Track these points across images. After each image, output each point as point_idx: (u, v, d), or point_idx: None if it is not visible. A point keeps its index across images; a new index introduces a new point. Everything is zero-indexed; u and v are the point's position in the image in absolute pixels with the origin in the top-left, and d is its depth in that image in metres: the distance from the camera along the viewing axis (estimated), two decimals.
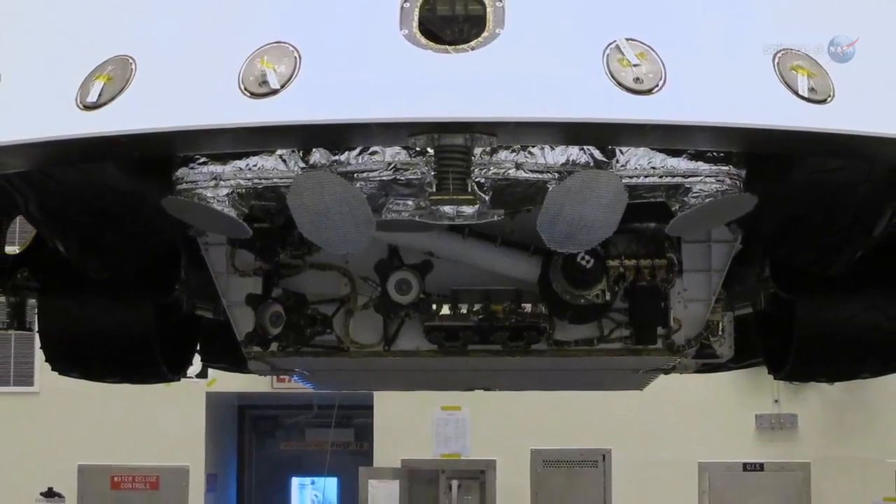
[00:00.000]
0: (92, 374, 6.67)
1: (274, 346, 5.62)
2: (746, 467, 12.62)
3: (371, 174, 4.14)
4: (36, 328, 6.32)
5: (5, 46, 4.05)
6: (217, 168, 4.21)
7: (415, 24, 3.73)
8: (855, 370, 6.28)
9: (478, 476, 12.36)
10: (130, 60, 3.80)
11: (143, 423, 13.32)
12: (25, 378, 14.54)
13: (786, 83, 3.76)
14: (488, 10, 3.77)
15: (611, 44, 3.72)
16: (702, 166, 4.32)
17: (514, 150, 4.15)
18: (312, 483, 15.66)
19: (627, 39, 3.74)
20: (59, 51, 3.97)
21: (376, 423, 14.11)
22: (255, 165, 4.20)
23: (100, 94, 3.76)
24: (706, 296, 5.53)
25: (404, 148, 4.04)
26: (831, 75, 3.80)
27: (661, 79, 3.70)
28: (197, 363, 7.26)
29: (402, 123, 3.68)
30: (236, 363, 6.79)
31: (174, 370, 6.58)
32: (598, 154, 4.18)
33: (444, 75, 3.67)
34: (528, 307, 5.43)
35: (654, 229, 5.14)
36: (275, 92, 3.69)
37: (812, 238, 5.18)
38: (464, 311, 5.45)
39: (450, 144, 3.85)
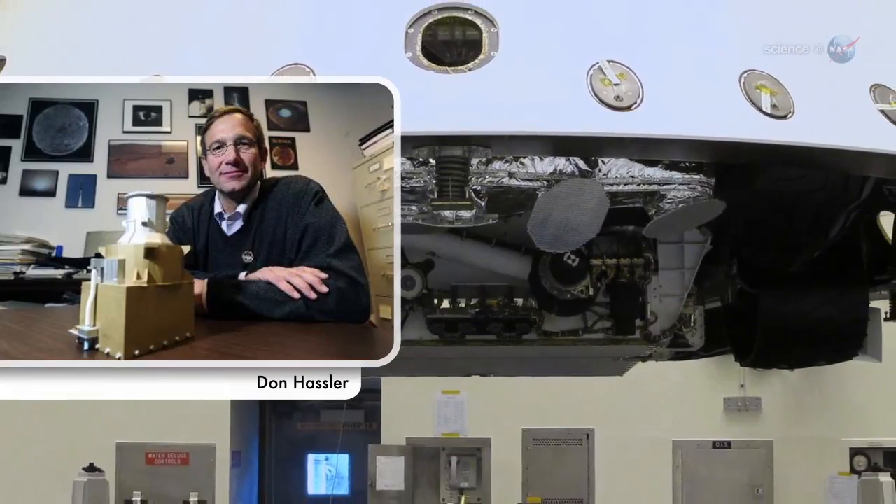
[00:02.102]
0: None
1: None
2: (715, 445, 12.58)
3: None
4: None
5: None
6: None
7: (418, 47, 3.74)
8: (812, 358, 6.27)
9: (475, 453, 12.33)
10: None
11: (174, 405, 13.29)
12: None
13: (751, 101, 3.76)
14: (484, 35, 3.77)
15: (594, 65, 3.73)
16: (675, 175, 4.33)
17: (507, 161, 4.15)
18: (326, 459, 15.62)
19: (609, 61, 3.74)
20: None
21: (383, 406, 14.09)
22: None
23: None
24: (679, 291, 5.52)
25: (409, 158, 4.04)
26: (792, 93, 3.81)
27: (639, 97, 3.70)
28: None
29: (406, 137, 3.68)
30: None
31: None
32: (582, 164, 4.19)
33: (445, 93, 3.68)
34: (519, 301, 5.42)
35: (633, 231, 5.13)
36: None
37: (774, 239, 5.18)
38: (462, 304, 5.44)
39: (449, 156, 3.85)
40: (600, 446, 12.63)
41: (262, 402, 15.86)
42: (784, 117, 3.77)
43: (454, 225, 4.39)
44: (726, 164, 4.31)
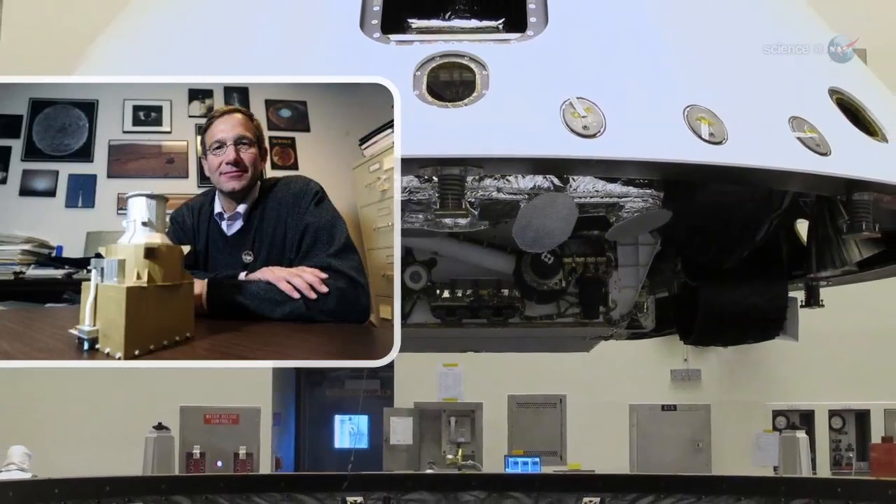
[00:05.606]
0: None
1: None
2: (664, 408, 12.57)
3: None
4: None
5: None
6: None
7: (424, 87, 3.73)
8: (742, 337, 6.25)
9: (469, 414, 12.33)
10: None
11: (227, 376, 13.26)
12: None
13: (692, 130, 3.76)
14: (477, 76, 3.77)
15: (566, 101, 3.72)
16: (632, 190, 4.32)
17: (495, 178, 4.14)
18: (350, 419, 15.59)
19: (578, 98, 3.74)
20: None
21: (396, 376, 14.07)
22: None
23: None
24: (635, 283, 5.51)
25: (416, 176, 4.04)
26: (726, 123, 3.80)
27: (602, 126, 3.69)
28: None
29: (414, 159, 3.67)
30: None
31: None
32: (556, 181, 4.18)
33: (445, 124, 3.67)
34: (506, 292, 5.42)
35: (597, 235, 5.14)
36: None
37: (711, 242, 5.18)
38: (459, 294, 5.43)
39: (449, 174, 3.84)
40: (571, 409, 12.63)
41: (297, 372, 15.84)
42: (720, 143, 3.76)
43: (453, 230, 4.39)
44: (673, 180, 4.31)
